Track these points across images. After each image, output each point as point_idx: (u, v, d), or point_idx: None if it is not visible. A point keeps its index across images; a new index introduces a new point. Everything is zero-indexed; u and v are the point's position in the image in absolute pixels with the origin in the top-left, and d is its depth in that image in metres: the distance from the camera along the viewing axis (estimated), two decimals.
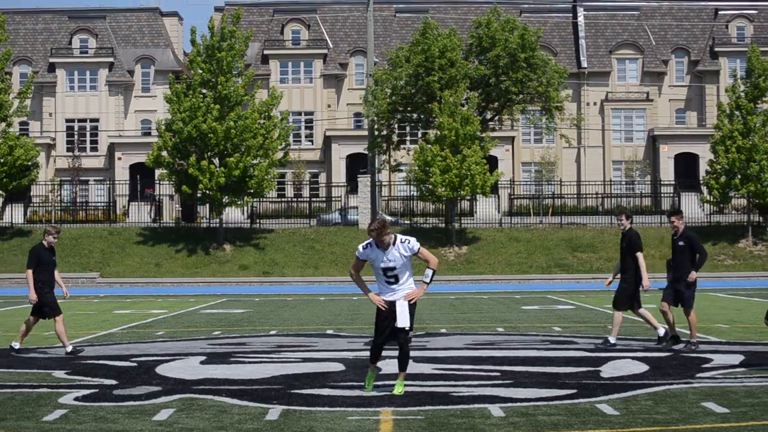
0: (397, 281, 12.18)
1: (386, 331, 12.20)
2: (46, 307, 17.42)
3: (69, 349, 17.41)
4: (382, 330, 12.24)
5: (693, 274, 17.00)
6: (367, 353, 13.47)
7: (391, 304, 12.17)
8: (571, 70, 70.93)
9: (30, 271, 17.31)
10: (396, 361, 12.55)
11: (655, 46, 76.47)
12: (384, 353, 12.91)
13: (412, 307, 12.20)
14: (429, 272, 12.20)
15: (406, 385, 12.54)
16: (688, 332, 17.53)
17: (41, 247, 17.47)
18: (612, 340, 17.64)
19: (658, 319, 17.69)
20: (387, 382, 12.98)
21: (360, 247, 12.28)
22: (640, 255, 17.33)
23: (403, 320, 12.06)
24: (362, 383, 12.79)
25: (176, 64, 75.42)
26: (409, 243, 12.13)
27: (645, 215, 58.79)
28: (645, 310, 17.54)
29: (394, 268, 12.11)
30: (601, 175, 72.67)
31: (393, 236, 12.15)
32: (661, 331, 17.34)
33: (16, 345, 17.68)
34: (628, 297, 17.45)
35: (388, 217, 58.10)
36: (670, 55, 76.45)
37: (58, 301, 17.60)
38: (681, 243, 17.08)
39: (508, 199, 63.77)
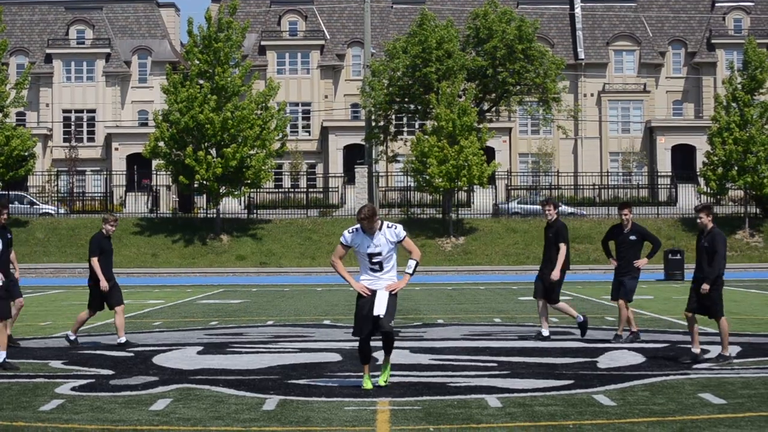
0: (381, 269, 11.95)
1: (367, 323, 11.89)
2: (92, 296, 17.27)
3: (72, 338, 17.40)
4: (363, 318, 11.93)
5: (644, 260, 17.26)
6: None
7: (373, 291, 11.98)
8: (568, 62, 70.83)
9: (95, 259, 17.05)
10: (381, 350, 12.35)
11: (652, 37, 76.40)
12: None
13: (393, 299, 11.99)
14: (412, 263, 11.99)
15: (403, 376, 12.50)
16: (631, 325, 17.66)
17: (101, 236, 17.30)
18: (545, 332, 17.77)
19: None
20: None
21: (345, 232, 12.01)
22: (563, 246, 17.38)
23: (379, 308, 11.86)
24: (359, 373, 12.63)
25: (173, 54, 75.33)
26: (395, 229, 11.95)
27: (642, 206, 58.73)
28: (564, 303, 17.88)
29: (379, 254, 11.90)
30: (598, 166, 72.64)
31: (380, 222, 12.01)
32: (580, 318, 17.67)
33: (123, 339, 17.30)
34: (558, 286, 17.56)
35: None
36: (667, 47, 76.41)
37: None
38: (633, 237, 17.28)
39: (505, 189, 63.76)
